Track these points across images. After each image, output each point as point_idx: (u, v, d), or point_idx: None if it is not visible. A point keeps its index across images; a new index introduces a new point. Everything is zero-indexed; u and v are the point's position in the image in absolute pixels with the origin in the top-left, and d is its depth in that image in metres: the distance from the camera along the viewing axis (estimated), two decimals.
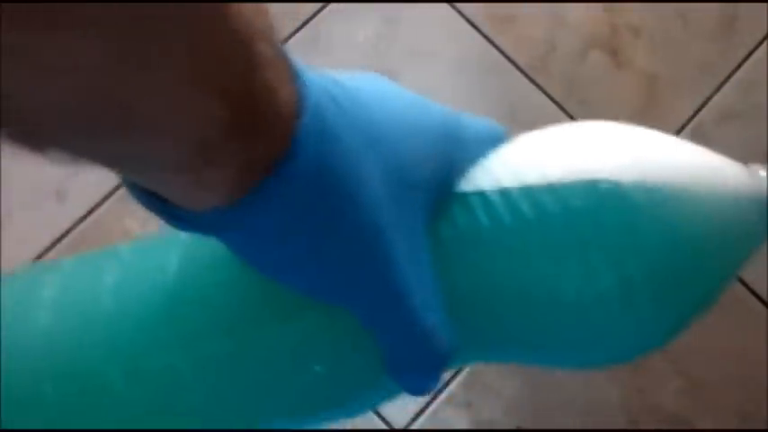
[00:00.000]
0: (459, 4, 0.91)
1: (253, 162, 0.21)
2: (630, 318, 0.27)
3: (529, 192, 0.26)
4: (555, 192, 0.26)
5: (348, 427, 0.77)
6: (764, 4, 0.92)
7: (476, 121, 0.30)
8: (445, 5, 0.91)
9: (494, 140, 0.30)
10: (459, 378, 0.80)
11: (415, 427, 0.78)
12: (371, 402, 0.29)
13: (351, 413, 0.29)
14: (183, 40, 0.17)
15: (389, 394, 0.29)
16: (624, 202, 0.26)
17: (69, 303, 0.27)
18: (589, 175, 0.26)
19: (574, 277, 0.26)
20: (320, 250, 0.24)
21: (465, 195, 0.27)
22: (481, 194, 0.27)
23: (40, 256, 0.82)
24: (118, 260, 0.28)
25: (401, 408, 0.79)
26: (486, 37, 0.91)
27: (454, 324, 0.27)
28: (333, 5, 0.90)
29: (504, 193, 0.27)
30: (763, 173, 0.30)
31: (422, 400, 0.79)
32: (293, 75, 0.22)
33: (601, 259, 0.26)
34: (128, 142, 0.19)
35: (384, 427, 0.78)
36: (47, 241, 0.83)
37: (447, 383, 0.80)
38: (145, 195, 0.23)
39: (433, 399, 0.79)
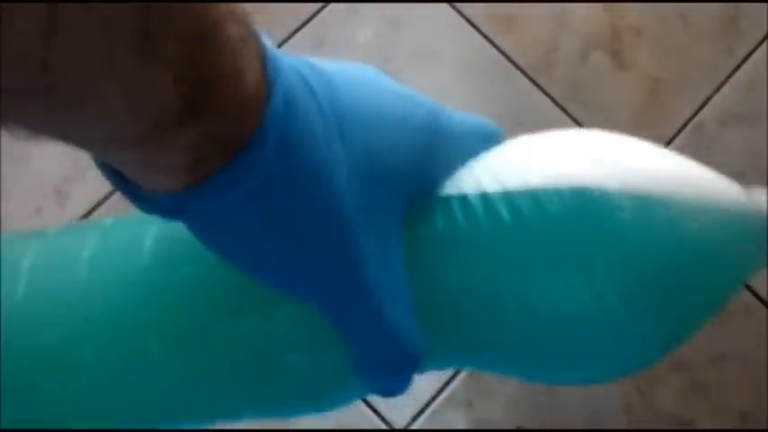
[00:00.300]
0: (459, 5, 0.91)
1: (214, 146, 0.20)
2: (609, 334, 0.26)
3: (509, 196, 0.26)
4: (534, 197, 0.25)
5: (348, 427, 0.77)
6: (765, 5, 0.92)
7: (468, 118, 0.29)
8: (445, 6, 0.91)
9: (486, 139, 0.29)
10: (460, 377, 0.80)
11: (415, 427, 0.78)
12: (344, 399, 0.28)
13: (323, 408, 0.28)
14: (129, 16, 0.16)
15: (363, 393, 0.28)
16: (604, 209, 0.25)
17: (46, 273, 0.27)
18: (571, 182, 0.25)
19: (549, 287, 0.25)
20: (282, 241, 0.23)
21: (448, 198, 0.27)
22: (463, 197, 0.26)
23: None
24: (99, 233, 0.27)
25: (401, 408, 0.79)
26: (486, 37, 0.91)
27: (426, 325, 0.26)
28: (333, 5, 0.90)
29: (485, 197, 0.26)
30: (763, 197, 0.28)
31: (422, 400, 0.79)
32: (264, 57, 0.21)
33: (577, 270, 0.25)
34: (75, 117, 0.18)
35: (384, 427, 0.78)
36: None
37: (447, 383, 0.80)
38: (113, 174, 0.22)
39: (433, 399, 0.79)
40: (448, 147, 0.27)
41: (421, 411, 0.79)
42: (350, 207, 0.23)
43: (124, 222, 0.28)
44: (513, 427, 0.79)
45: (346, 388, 0.27)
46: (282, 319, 0.26)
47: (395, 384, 0.27)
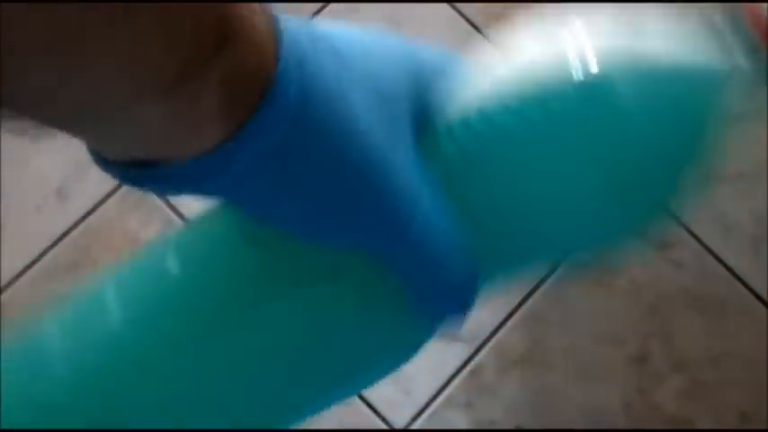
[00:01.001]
0: (459, 5, 0.91)
1: (244, 80, 0.21)
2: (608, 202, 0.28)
3: (503, 105, 0.27)
4: (538, 99, 0.27)
5: (349, 427, 0.77)
6: (765, 4, 0.93)
7: (432, 48, 0.30)
8: (445, 5, 0.91)
9: (454, 63, 0.30)
10: (460, 377, 0.80)
11: (414, 427, 0.78)
12: (412, 349, 0.29)
13: (389, 368, 0.28)
14: None
15: (429, 335, 0.28)
16: (605, 95, 0.26)
17: (76, 330, 0.27)
18: (560, 78, 0.27)
19: (557, 175, 0.27)
20: (320, 187, 0.23)
21: (449, 123, 0.27)
22: (464, 119, 0.27)
23: (40, 256, 0.82)
24: (117, 277, 0.28)
25: (401, 408, 0.79)
26: (486, 37, 0.91)
27: (470, 242, 0.27)
28: (333, 5, 0.90)
29: (483, 112, 0.27)
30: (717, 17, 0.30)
31: (421, 400, 0.79)
32: (265, 7, 0.22)
33: (585, 153, 0.27)
34: (101, 69, 0.18)
35: (384, 427, 0.78)
36: (48, 241, 0.83)
37: (447, 383, 0.80)
38: (117, 165, 0.22)
39: (433, 399, 0.79)
40: (432, 75, 0.28)
41: (421, 411, 0.79)
42: (378, 138, 0.24)
43: (139, 262, 0.28)
44: (512, 427, 0.79)
45: (410, 335, 0.28)
46: (337, 291, 0.26)
47: (459, 307, 0.27)
